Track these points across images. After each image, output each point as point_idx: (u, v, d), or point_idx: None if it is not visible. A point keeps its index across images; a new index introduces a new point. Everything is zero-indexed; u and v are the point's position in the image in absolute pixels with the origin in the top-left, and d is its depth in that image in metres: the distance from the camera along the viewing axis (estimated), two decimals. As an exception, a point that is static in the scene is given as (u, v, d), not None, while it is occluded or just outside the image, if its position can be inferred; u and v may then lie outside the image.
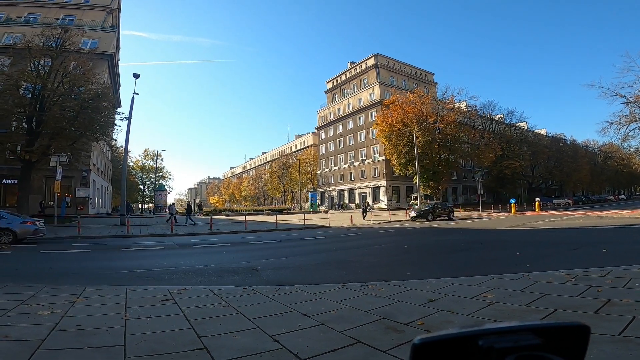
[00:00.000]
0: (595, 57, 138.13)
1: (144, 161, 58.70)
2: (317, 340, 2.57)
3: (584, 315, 2.84)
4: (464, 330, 0.49)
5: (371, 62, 52.94)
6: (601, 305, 3.07)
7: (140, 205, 57.13)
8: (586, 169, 58.49)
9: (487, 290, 3.87)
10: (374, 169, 49.07)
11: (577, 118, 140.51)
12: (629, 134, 29.69)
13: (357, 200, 50.65)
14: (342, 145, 56.19)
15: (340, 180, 55.89)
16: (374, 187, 48.78)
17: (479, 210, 32.42)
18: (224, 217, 36.07)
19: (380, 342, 2.48)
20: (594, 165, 66.25)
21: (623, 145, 37.63)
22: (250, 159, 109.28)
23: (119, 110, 27.27)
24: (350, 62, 57.86)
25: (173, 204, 23.60)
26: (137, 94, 21.96)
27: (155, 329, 2.88)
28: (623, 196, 68.87)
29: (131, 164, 54.53)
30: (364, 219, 23.35)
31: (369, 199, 48.55)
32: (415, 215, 22.67)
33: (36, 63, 20.12)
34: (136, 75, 21.47)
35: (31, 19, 29.87)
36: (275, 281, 5.38)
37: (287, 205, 66.73)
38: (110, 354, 2.39)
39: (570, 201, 47.15)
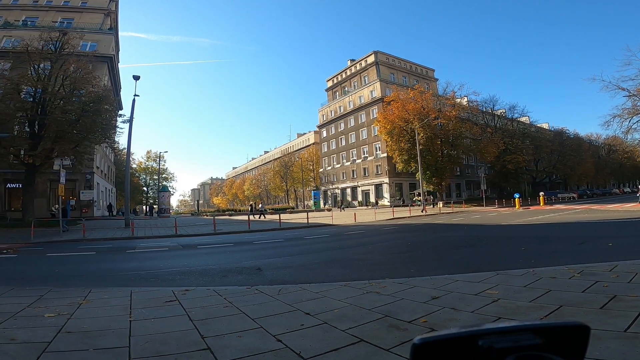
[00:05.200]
0: (596, 51, 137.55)
1: (147, 163, 59.03)
2: (320, 340, 2.57)
3: (590, 312, 2.81)
4: (464, 330, 0.49)
5: (371, 59, 52.77)
6: (607, 300, 3.03)
7: (144, 207, 57.42)
8: (590, 163, 58.11)
9: (492, 287, 3.84)
10: (377, 166, 49.02)
11: (579, 112, 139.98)
12: (632, 127, 29.64)
13: (360, 198, 50.61)
14: (343, 143, 56.13)
15: (343, 178, 55.86)
16: (376, 185, 48.73)
17: (482, 205, 32.27)
18: (227, 217, 36.15)
19: (383, 341, 2.47)
20: (597, 158, 65.78)
21: (627, 138, 37.38)
22: (253, 159, 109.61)
23: (120, 112, 27.47)
24: (350, 60, 57.71)
25: (261, 203, 24.83)
26: (137, 95, 22.01)
27: (159, 330, 2.90)
28: (628, 189, 68.22)
29: (134, 166, 54.87)
30: (421, 211, 24.17)
31: (372, 196, 48.54)
32: None
33: (36, 67, 20.18)
34: (136, 77, 21.54)
35: (29, 23, 29.95)
36: (278, 280, 5.38)
37: (290, 204, 66.77)
38: (115, 355, 2.40)
39: (575, 195, 46.85)
